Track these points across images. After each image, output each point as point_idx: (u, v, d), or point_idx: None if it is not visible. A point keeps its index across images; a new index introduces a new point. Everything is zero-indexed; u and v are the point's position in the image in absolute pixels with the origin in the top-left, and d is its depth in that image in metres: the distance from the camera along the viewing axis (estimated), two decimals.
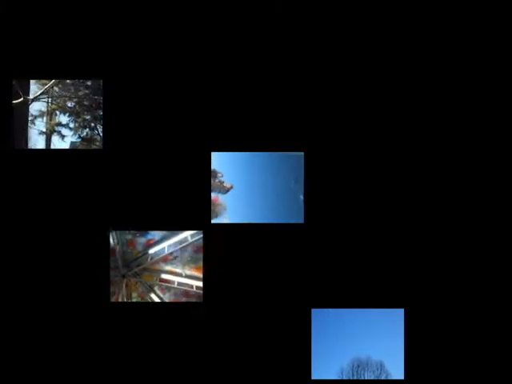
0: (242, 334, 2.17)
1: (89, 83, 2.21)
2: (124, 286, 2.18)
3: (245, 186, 2.20)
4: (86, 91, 2.22)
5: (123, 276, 2.18)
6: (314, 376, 2.16)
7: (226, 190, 2.20)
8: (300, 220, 2.18)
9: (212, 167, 2.18)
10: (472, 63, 2.20)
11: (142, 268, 2.19)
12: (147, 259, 2.20)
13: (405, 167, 2.19)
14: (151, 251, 2.20)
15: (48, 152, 2.20)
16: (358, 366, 2.14)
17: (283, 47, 2.21)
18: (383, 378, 2.14)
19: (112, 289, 2.16)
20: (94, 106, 2.21)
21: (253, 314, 2.18)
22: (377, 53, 2.21)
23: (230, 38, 2.21)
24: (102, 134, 2.20)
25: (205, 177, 2.18)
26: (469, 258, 2.17)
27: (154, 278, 2.19)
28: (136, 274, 2.19)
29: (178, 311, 2.17)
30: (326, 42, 2.21)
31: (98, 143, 2.19)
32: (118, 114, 2.19)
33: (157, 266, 2.20)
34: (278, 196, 2.19)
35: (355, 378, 2.14)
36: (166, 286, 2.19)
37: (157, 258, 2.19)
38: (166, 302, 2.17)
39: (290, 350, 2.17)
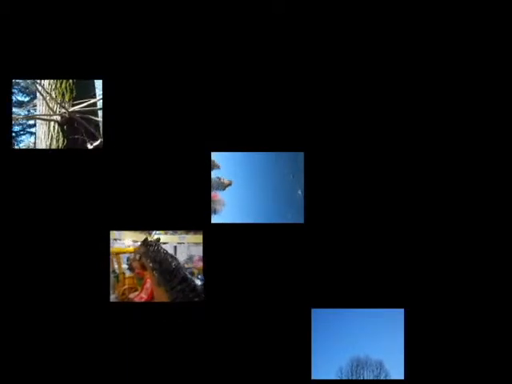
0: (242, 333, 2.18)
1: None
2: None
3: (243, 182, 2.21)
4: None
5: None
6: (314, 376, 2.16)
7: (224, 186, 2.20)
8: (299, 215, 2.18)
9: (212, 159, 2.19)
10: (472, 63, 2.20)
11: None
12: None
13: (405, 168, 2.19)
14: None
15: (48, 152, 2.20)
16: (357, 365, 2.14)
17: (283, 47, 2.21)
18: (382, 377, 2.15)
19: None
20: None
21: (253, 314, 2.18)
22: (377, 53, 2.20)
23: (230, 38, 2.21)
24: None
25: (205, 177, 2.19)
26: (469, 259, 2.18)
27: None
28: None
29: (178, 311, 2.17)
30: (326, 42, 2.21)
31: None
32: (117, 114, 2.20)
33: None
34: (276, 191, 2.20)
35: (354, 377, 2.15)
36: None
37: None
38: (166, 302, 2.18)
39: (290, 349, 2.17)
